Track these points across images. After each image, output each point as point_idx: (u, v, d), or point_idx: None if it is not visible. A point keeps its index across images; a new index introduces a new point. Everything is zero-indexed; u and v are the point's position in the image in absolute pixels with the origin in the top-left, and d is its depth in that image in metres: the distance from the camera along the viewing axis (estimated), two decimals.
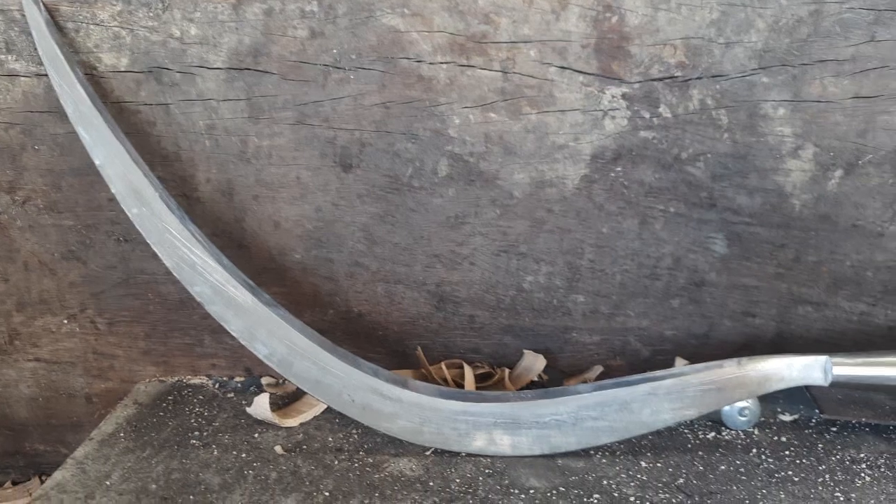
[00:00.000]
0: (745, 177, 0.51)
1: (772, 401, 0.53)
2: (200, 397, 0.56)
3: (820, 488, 0.43)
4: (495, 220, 0.53)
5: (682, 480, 0.44)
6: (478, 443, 0.47)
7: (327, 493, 0.43)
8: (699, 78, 0.48)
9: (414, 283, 0.55)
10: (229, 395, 0.56)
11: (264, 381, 0.58)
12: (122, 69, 0.49)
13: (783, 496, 0.42)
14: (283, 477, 0.45)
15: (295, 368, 0.47)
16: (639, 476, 0.45)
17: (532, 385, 0.57)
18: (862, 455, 0.46)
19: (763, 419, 0.52)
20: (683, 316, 0.56)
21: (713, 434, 0.50)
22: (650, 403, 0.47)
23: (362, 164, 0.52)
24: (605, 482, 0.44)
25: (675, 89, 0.49)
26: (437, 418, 0.47)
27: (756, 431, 0.50)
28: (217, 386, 0.58)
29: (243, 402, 0.54)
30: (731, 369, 0.47)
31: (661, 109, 0.49)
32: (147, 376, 0.58)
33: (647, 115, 0.49)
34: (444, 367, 0.56)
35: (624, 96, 0.49)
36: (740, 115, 0.49)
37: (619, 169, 0.51)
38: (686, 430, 0.51)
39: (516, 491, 0.43)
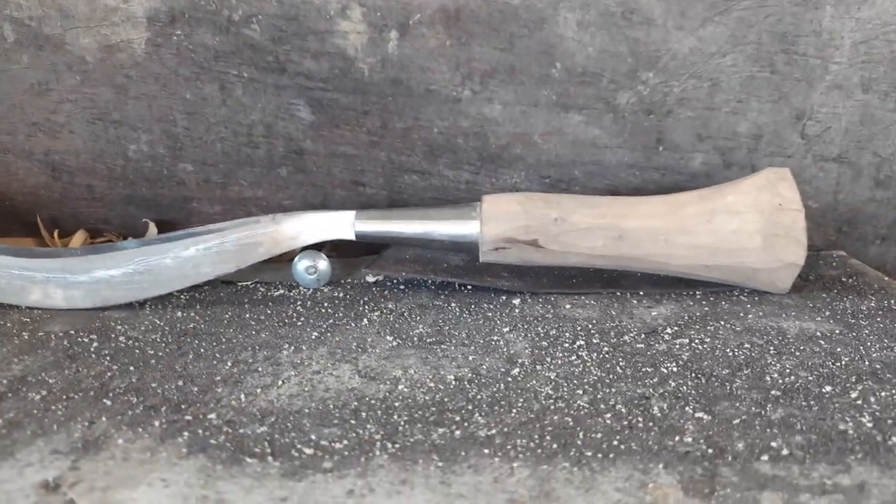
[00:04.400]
0: (304, 39, 0.50)
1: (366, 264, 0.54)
2: None
3: (307, 329, 0.44)
4: (78, 86, 0.53)
5: (192, 325, 0.45)
6: (34, 296, 0.49)
7: None
8: None
9: (22, 153, 0.56)
10: None
11: None
12: None
13: (264, 335, 0.43)
14: None
15: None
16: (156, 321, 0.46)
17: None
18: (391, 305, 0.47)
19: (352, 279, 0.53)
20: (295, 185, 0.57)
21: (282, 292, 0.51)
22: (192, 258, 0.48)
23: None
24: (119, 326, 0.45)
25: None
26: None
27: (326, 290, 0.52)
28: None
29: None
30: (266, 225, 0.48)
31: None
32: None
33: None
34: (56, 236, 0.57)
35: None
36: None
37: (179, 32, 0.51)
38: (262, 287, 0.52)
39: (27, 335, 0.45)
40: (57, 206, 0.59)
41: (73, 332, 0.45)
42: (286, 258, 0.54)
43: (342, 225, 0.48)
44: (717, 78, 0.51)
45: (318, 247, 0.53)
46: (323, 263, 0.52)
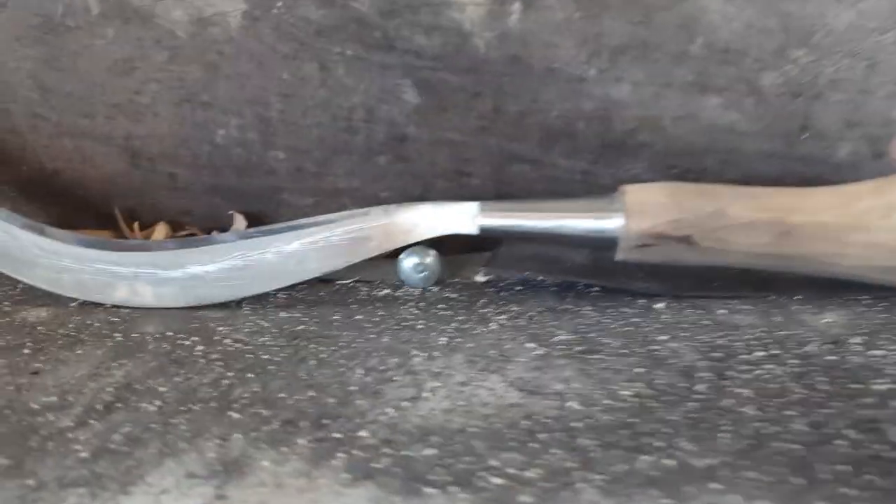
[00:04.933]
0: (417, 13, 0.46)
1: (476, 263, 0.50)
2: None
3: (432, 333, 0.39)
4: (166, 64, 0.49)
5: (301, 327, 0.41)
6: (120, 293, 0.45)
7: None
8: None
9: (101, 137, 0.52)
10: None
11: None
12: None
13: (386, 339, 0.39)
14: None
15: None
16: (261, 322, 0.42)
17: None
18: (515, 308, 0.43)
19: (458, 279, 0.49)
20: (394, 175, 0.52)
21: (387, 291, 0.47)
22: (296, 253, 0.44)
23: (9, 1, 0.47)
24: (220, 327, 0.41)
25: None
26: (76, 267, 0.45)
27: (435, 289, 0.47)
28: None
29: None
30: (377, 217, 0.44)
31: None
32: None
33: None
34: (136, 227, 0.53)
35: None
36: None
37: (280, 4, 0.46)
38: (364, 287, 0.48)
39: (121, 337, 0.40)
40: (135, 195, 0.54)
41: (170, 333, 0.41)
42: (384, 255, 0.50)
43: (464, 218, 0.43)
44: (874, 57, 0.46)
45: (423, 243, 0.48)
46: (432, 261, 0.47)
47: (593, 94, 0.48)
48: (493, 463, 0.27)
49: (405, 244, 0.44)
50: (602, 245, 0.42)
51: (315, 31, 0.47)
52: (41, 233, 0.45)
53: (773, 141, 0.49)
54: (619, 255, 0.42)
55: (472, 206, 0.43)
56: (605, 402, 0.31)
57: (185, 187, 0.54)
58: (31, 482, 0.27)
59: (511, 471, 0.26)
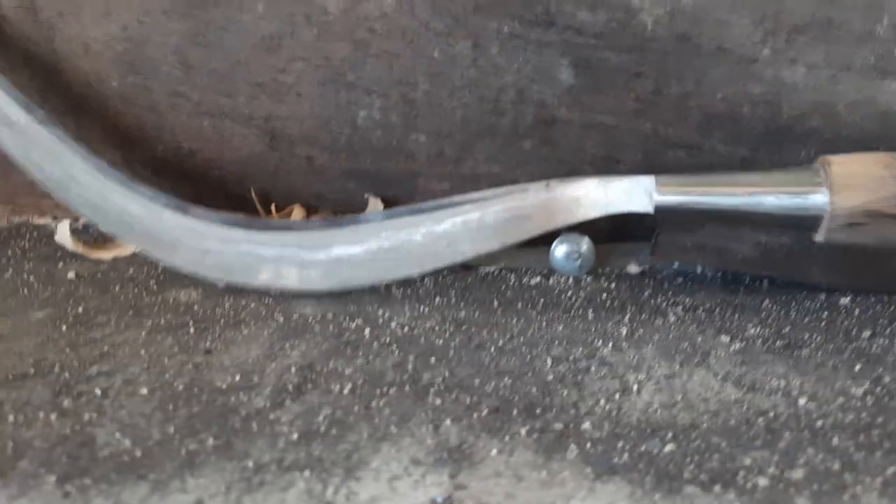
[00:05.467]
0: None
1: (627, 253, 0.47)
2: (36, 234, 0.54)
3: (609, 324, 0.37)
4: (314, 41, 0.48)
5: (463, 314, 0.39)
6: (264, 275, 0.44)
7: (80, 310, 0.41)
8: None
9: (241, 117, 0.51)
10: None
11: None
12: None
13: (560, 328, 0.37)
14: (55, 294, 0.43)
15: (72, 192, 0.44)
16: (420, 307, 0.40)
17: None
18: (688, 300, 0.40)
19: (610, 269, 0.46)
20: (538, 160, 0.50)
21: (539, 280, 0.45)
22: (447, 234, 0.42)
23: None
24: (380, 310, 0.40)
25: None
26: (218, 247, 0.44)
27: (589, 279, 0.45)
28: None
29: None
30: (537, 193, 0.42)
31: None
32: None
33: None
34: (273, 209, 0.52)
35: None
36: None
37: None
38: (511, 275, 0.46)
39: (282, 318, 0.39)
40: (270, 178, 0.53)
41: (331, 315, 0.40)
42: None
43: (638, 193, 0.40)
44: None
45: (572, 229, 0.46)
46: (587, 248, 0.45)
47: (764, 76, 0.45)
48: (746, 462, 0.24)
49: (566, 224, 0.42)
50: (800, 224, 0.38)
51: (473, 7, 0.45)
52: (185, 212, 0.45)
53: None
54: (822, 236, 0.38)
55: (647, 181, 0.40)
56: (838, 399, 0.29)
57: (321, 171, 0.53)
58: (248, 463, 0.26)
59: (772, 470, 0.24)
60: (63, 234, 0.49)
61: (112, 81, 0.51)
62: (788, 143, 0.47)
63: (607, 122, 0.48)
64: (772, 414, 0.28)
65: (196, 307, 0.42)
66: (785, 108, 0.46)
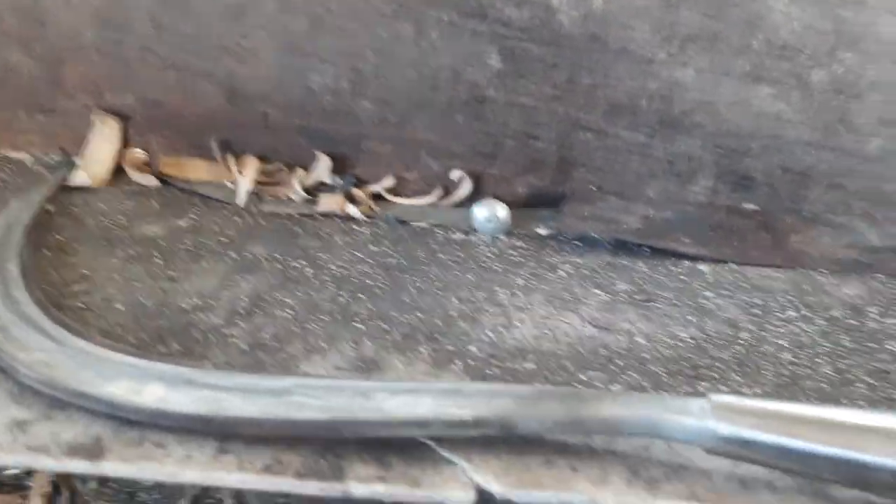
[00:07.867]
0: None
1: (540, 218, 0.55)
2: (12, 168, 0.59)
3: (509, 275, 0.45)
4: (276, 13, 0.54)
5: (393, 261, 0.47)
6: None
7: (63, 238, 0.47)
8: None
9: (204, 73, 0.57)
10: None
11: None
12: None
13: (470, 277, 0.45)
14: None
15: None
16: (356, 254, 0.48)
17: (323, 187, 0.59)
18: (578, 260, 0.49)
19: (522, 230, 0.54)
20: (469, 133, 0.57)
21: (461, 236, 0.53)
22: None
23: None
24: (320, 254, 0.47)
25: None
26: None
27: (504, 238, 0.53)
28: (34, 162, 0.61)
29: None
30: None
31: None
32: None
33: None
34: (230, 160, 0.59)
35: None
36: None
37: None
38: (439, 231, 0.53)
39: (235, 255, 0.46)
40: (228, 130, 0.60)
41: (279, 255, 0.47)
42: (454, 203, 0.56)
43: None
44: None
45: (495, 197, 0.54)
46: (503, 213, 0.53)
47: (659, 75, 0.53)
48: (582, 377, 0.33)
49: None
50: None
51: None
52: None
53: (814, 132, 0.54)
54: None
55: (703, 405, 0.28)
56: (666, 340, 0.38)
57: (276, 127, 0.59)
58: (207, 365, 0.33)
59: (598, 385, 0.33)
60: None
61: (88, 33, 0.56)
62: (679, 134, 0.55)
63: (528, 104, 0.56)
64: (613, 347, 0.36)
65: (161, 241, 0.48)
66: (676, 103, 0.54)
